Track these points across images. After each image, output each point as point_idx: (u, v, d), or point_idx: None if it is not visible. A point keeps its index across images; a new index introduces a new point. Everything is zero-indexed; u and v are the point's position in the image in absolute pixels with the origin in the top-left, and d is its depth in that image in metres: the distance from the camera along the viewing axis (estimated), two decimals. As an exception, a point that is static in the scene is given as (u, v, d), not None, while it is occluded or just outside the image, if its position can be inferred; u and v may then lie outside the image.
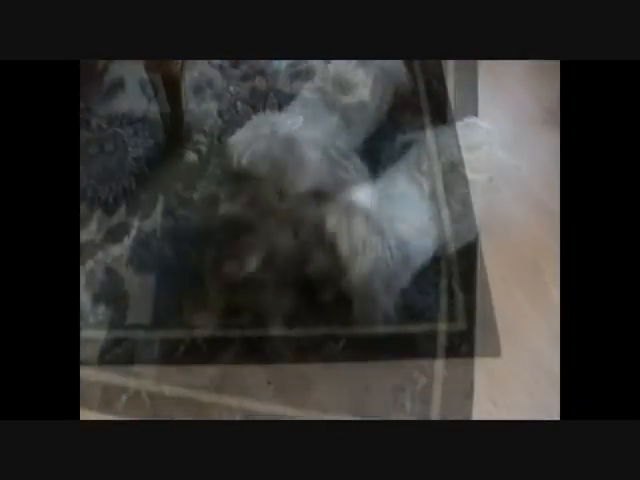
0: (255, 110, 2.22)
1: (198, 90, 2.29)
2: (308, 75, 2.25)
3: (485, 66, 2.34)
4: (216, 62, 2.36)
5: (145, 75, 2.20)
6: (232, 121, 2.21)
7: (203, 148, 2.15)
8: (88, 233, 1.96)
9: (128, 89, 2.29)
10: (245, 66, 2.35)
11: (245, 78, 2.33)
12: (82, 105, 2.23)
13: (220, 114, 2.23)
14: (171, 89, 2.00)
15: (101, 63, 2.33)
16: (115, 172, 2.09)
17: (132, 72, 2.31)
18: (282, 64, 2.29)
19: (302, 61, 2.33)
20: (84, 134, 2.16)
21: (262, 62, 2.35)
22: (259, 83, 2.31)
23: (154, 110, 2.20)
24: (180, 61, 1.91)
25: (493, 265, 1.89)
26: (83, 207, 2.00)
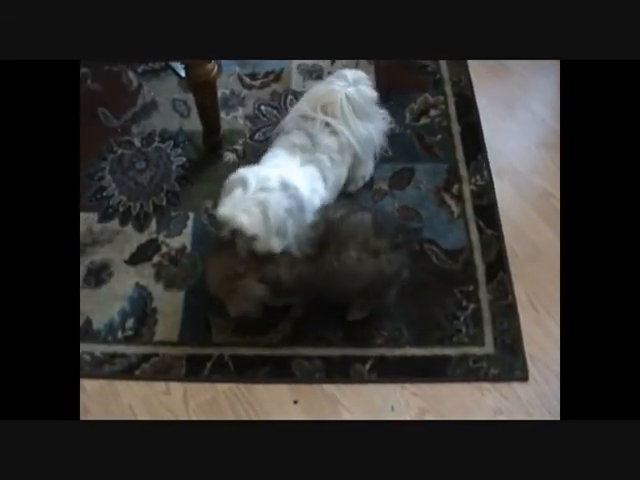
0: (277, 110, 2.30)
1: (224, 100, 2.33)
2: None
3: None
4: (236, 75, 2.42)
5: (176, 95, 2.26)
6: (260, 122, 2.28)
7: (239, 148, 2.20)
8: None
9: (161, 108, 2.33)
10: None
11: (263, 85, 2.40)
12: (117, 123, 2.27)
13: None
14: (208, 96, 2.04)
15: (135, 83, 2.37)
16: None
17: (164, 93, 2.37)
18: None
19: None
20: (126, 152, 2.22)
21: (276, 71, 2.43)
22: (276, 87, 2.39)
23: (188, 124, 2.27)
24: (215, 68, 1.93)
25: (522, 289, 1.88)
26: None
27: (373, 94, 1.84)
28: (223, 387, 1.74)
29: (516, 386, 1.74)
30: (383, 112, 1.94)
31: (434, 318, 1.83)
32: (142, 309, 1.86)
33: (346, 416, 1.69)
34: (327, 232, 1.61)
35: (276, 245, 1.57)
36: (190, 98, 2.20)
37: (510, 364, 1.76)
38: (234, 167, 2.06)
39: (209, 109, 2.07)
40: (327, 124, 1.78)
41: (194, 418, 1.69)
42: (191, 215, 2.04)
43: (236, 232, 1.55)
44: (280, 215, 1.55)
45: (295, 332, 1.81)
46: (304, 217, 1.62)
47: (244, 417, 1.69)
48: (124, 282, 1.91)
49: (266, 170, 1.65)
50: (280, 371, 1.76)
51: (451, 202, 2.05)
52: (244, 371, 1.76)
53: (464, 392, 1.73)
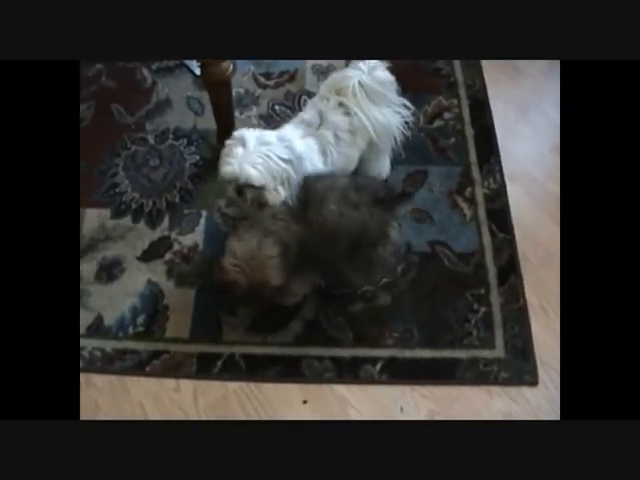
0: (291, 110, 2.30)
1: (238, 99, 2.33)
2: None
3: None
4: (251, 74, 2.42)
5: (190, 93, 2.29)
6: (273, 121, 2.27)
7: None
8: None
9: (175, 106, 2.33)
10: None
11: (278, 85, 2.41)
12: (131, 120, 2.28)
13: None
14: (223, 95, 2.04)
15: (149, 80, 2.38)
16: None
17: (178, 91, 2.37)
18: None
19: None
20: (140, 149, 2.23)
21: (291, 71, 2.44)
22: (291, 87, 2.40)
23: (202, 122, 2.28)
24: (230, 66, 1.93)
25: (533, 293, 1.88)
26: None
27: (389, 78, 1.83)
28: (233, 385, 1.75)
29: (525, 390, 1.74)
30: (403, 100, 1.92)
31: (445, 320, 1.83)
32: (153, 306, 1.87)
33: (355, 417, 1.70)
34: (306, 192, 1.63)
35: (282, 194, 1.62)
36: (204, 96, 2.21)
37: (520, 368, 1.76)
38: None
39: (224, 108, 2.07)
40: (341, 104, 1.79)
41: (203, 416, 1.70)
42: (204, 213, 2.05)
43: (243, 187, 1.61)
44: (281, 165, 1.61)
45: (306, 332, 1.81)
46: (302, 168, 1.66)
47: (254, 416, 1.69)
48: (136, 278, 1.92)
49: (262, 131, 1.70)
50: (290, 371, 1.76)
51: (464, 205, 2.05)
52: (254, 370, 1.76)
53: (474, 395, 1.73)
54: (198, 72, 2.34)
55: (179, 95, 2.36)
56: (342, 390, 1.74)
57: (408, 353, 1.78)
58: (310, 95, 2.29)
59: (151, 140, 2.23)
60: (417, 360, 1.77)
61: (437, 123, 2.25)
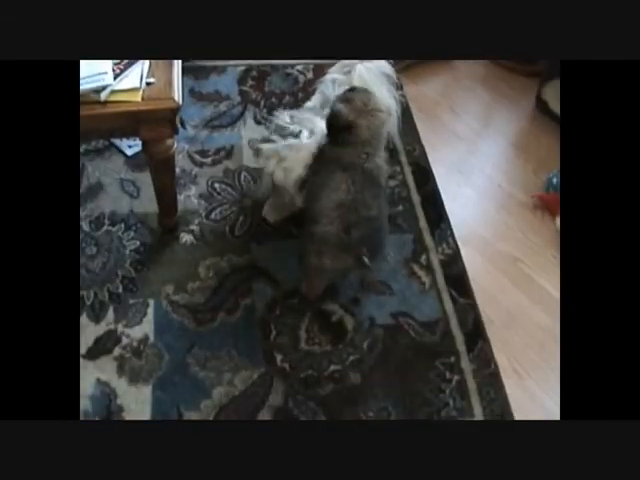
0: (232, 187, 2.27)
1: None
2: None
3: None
4: (186, 152, 2.36)
5: (123, 175, 2.22)
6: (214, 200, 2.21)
7: (195, 228, 2.13)
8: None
9: (108, 189, 2.22)
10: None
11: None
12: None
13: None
14: (167, 174, 1.95)
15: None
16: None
17: (109, 174, 2.26)
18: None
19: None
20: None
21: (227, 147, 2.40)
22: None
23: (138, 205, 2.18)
24: (175, 144, 1.85)
25: (503, 356, 1.86)
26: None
27: (390, 69, 2.11)
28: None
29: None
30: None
31: (419, 393, 1.76)
32: (106, 407, 1.70)
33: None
34: None
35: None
36: (139, 178, 2.12)
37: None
38: (191, 249, 1.98)
39: (166, 187, 1.95)
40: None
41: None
42: (151, 302, 1.91)
43: None
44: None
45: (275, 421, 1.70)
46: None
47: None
48: (83, 379, 1.74)
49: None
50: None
51: (421, 273, 2.02)
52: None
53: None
54: (129, 153, 2.25)
55: (111, 178, 2.23)
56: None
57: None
58: (249, 170, 2.25)
59: (85, 227, 2.09)
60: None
61: (384, 191, 2.22)
